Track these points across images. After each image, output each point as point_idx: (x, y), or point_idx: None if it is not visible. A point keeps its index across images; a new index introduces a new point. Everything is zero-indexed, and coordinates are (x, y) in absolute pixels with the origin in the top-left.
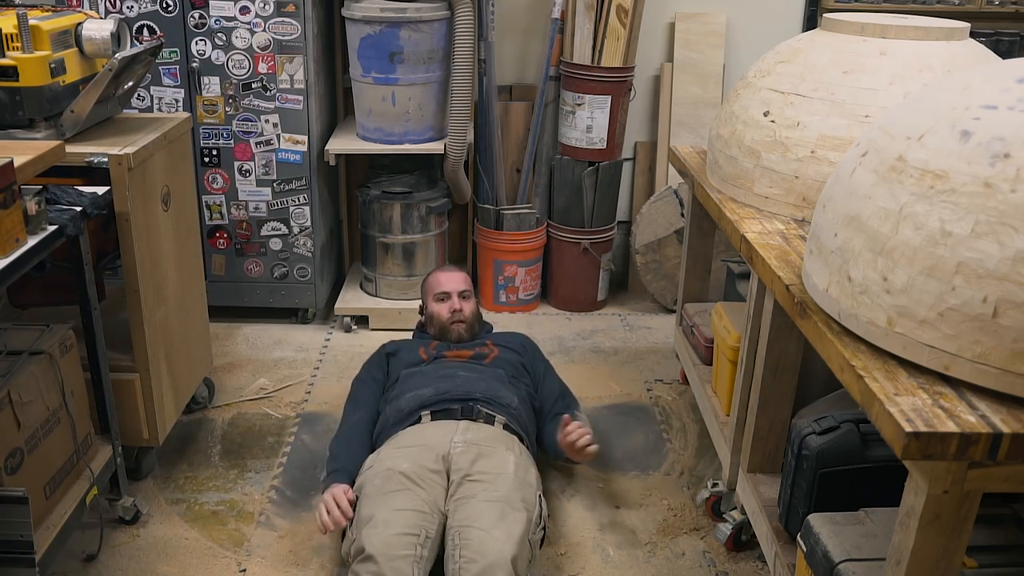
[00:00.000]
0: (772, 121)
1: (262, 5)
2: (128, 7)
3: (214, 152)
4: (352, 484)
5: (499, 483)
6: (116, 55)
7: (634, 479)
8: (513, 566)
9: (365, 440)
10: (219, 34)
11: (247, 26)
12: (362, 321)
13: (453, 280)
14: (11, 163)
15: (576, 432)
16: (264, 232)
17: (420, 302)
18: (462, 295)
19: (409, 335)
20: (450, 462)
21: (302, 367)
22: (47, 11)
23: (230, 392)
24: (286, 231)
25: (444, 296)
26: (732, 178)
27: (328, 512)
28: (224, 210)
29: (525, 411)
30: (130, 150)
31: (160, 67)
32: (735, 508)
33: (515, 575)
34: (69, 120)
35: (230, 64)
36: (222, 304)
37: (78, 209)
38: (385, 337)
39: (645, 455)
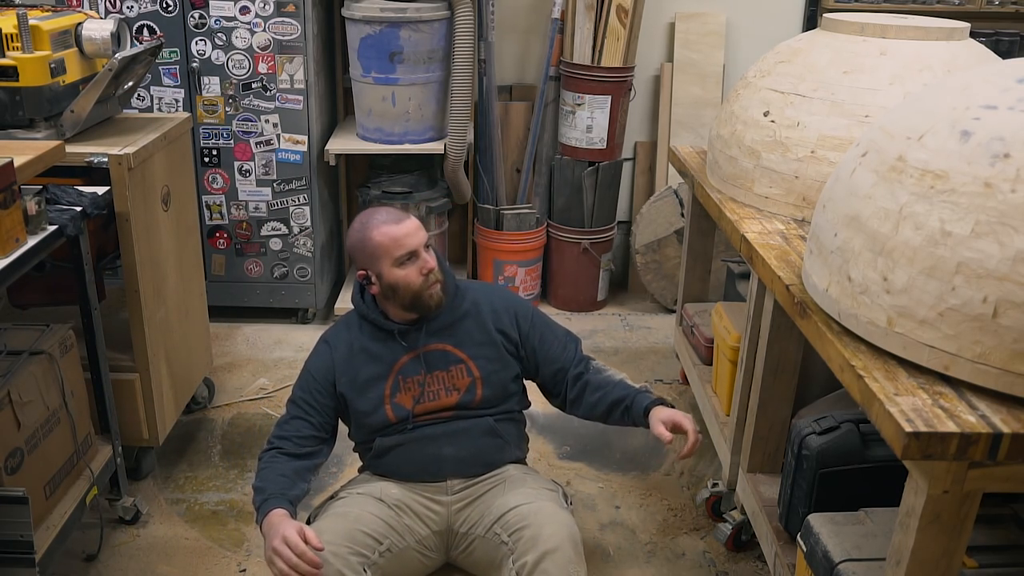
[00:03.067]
0: (772, 121)
1: (262, 5)
2: (128, 7)
3: (214, 152)
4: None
5: (513, 480)
6: (116, 55)
7: (634, 479)
8: (575, 543)
9: (306, 479)
10: (219, 34)
11: (247, 26)
12: None
13: (412, 232)
14: (11, 163)
15: (689, 449)
16: (264, 232)
17: (362, 272)
18: (427, 247)
19: None
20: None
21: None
22: (47, 11)
23: (230, 392)
24: (286, 231)
25: (410, 257)
26: (732, 178)
27: (286, 560)
28: (224, 210)
29: (516, 427)
30: (130, 150)
31: (160, 67)
32: (735, 508)
33: (580, 551)
34: (69, 120)
35: (230, 64)
36: (222, 304)
37: (78, 209)
38: None
39: (645, 455)
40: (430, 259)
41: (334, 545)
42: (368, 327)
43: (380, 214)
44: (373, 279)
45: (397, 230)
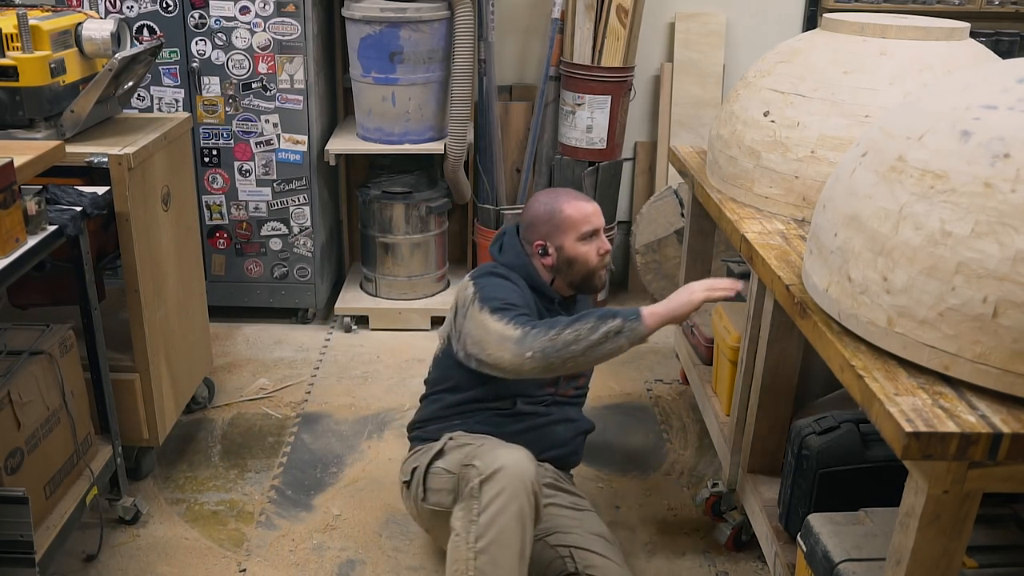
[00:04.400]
0: (772, 121)
1: (262, 5)
2: (128, 7)
3: (214, 152)
4: None
5: (591, 520)
6: (116, 55)
7: (634, 479)
8: None
9: None
10: (219, 34)
11: (247, 26)
12: (362, 321)
13: (598, 212)
14: (11, 163)
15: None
16: (264, 232)
17: (540, 242)
18: (605, 231)
19: (409, 335)
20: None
21: (302, 367)
22: (47, 11)
23: (230, 392)
24: (286, 231)
25: (593, 234)
26: (732, 178)
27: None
28: (224, 210)
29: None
30: (130, 150)
31: (160, 67)
32: (735, 508)
33: None
34: (69, 120)
35: (230, 64)
36: (222, 304)
37: (78, 209)
38: (386, 337)
39: (645, 455)
40: (607, 243)
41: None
42: (532, 295)
43: (570, 192)
44: (551, 250)
45: (588, 207)
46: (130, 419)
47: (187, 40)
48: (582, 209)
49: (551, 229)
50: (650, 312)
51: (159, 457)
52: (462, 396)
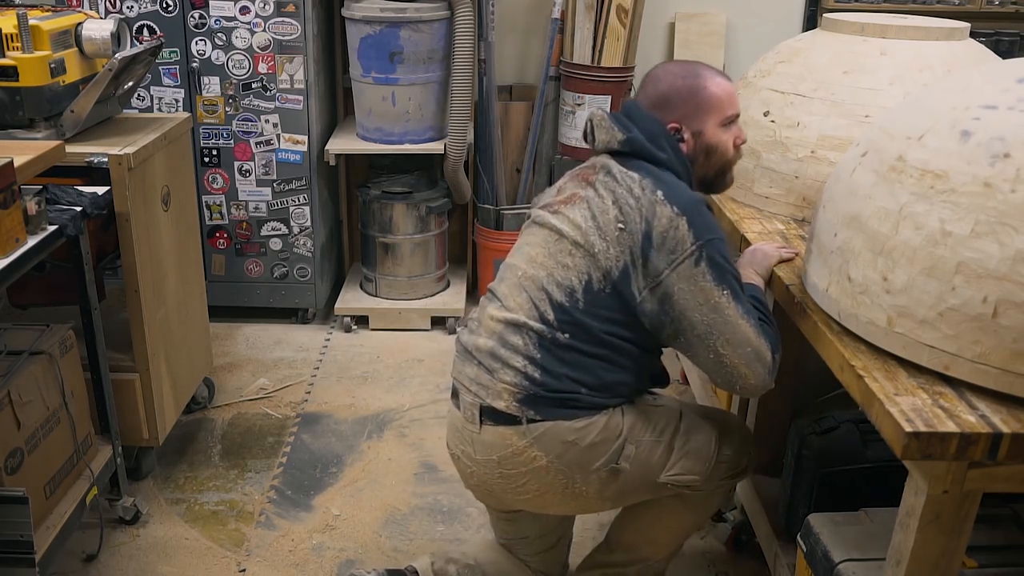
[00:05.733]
0: (772, 121)
1: (262, 5)
2: (128, 7)
3: (214, 152)
4: None
5: None
6: (116, 55)
7: None
8: None
9: None
10: (219, 34)
11: (247, 26)
12: (362, 321)
13: (735, 95)
14: (11, 163)
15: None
16: (264, 232)
17: (675, 124)
18: None
19: (409, 335)
20: None
21: (302, 367)
22: (47, 11)
23: (230, 392)
24: (286, 231)
25: (733, 120)
26: None
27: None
28: (224, 210)
29: None
30: (130, 150)
31: (160, 67)
32: (735, 508)
33: None
34: (69, 120)
35: (230, 64)
36: (222, 304)
37: (78, 209)
38: (386, 337)
39: None
40: (743, 133)
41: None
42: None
43: (705, 65)
44: (687, 135)
45: (730, 85)
46: (130, 419)
47: (187, 40)
48: (726, 88)
49: (692, 109)
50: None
51: (159, 457)
52: (623, 376)
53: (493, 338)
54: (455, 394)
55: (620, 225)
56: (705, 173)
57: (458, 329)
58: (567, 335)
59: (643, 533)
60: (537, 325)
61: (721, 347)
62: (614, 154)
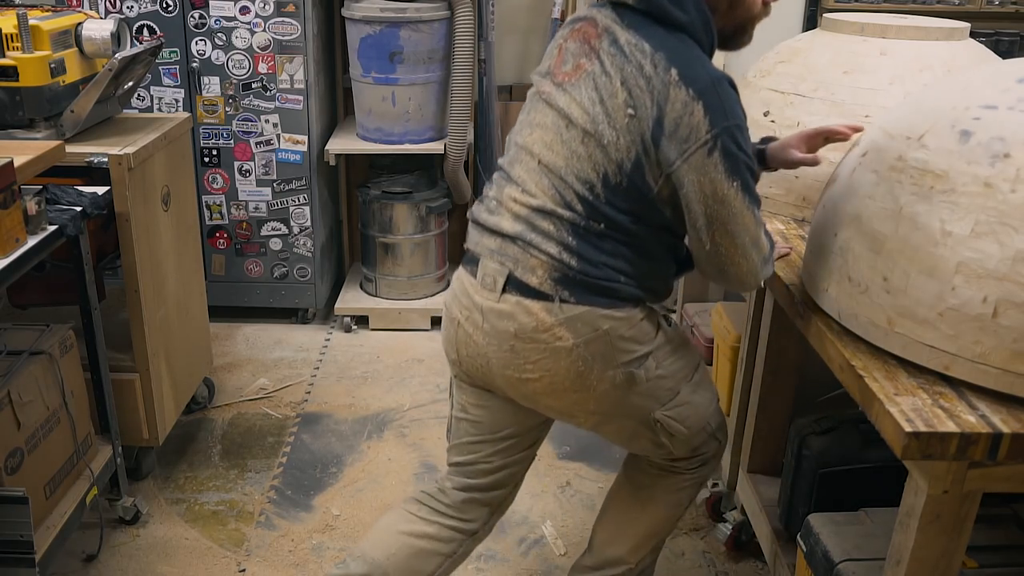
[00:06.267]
0: (772, 121)
1: (262, 5)
2: (128, 7)
3: (214, 152)
4: None
5: None
6: (116, 55)
7: None
8: None
9: None
10: (219, 34)
11: (247, 26)
12: (362, 321)
13: None
14: (11, 163)
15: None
16: (264, 232)
17: None
18: None
19: (409, 335)
20: None
21: (302, 367)
22: (47, 11)
23: (230, 392)
24: (286, 231)
25: None
26: None
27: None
28: (224, 210)
29: None
30: (130, 150)
31: (160, 67)
32: (735, 508)
33: None
34: (69, 120)
35: (230, 64)
36: (222, 304)
37: (78, 209)
38: (386, 337)
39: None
40: None
41: None
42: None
43: None
44: None
45: None
46: (130, 419)
47: (187, 40)
48: None
49: None
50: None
51: (159, 457)
52: (658, 267)
53: (520, 223)
54: (471, 260)
55: (630, 111)
56: (724, 26)
57: (473, 207)
58: (601, 224)
59: (620, 528)
60: (567, 213)
61: (719, 236)
62: (621, 6)
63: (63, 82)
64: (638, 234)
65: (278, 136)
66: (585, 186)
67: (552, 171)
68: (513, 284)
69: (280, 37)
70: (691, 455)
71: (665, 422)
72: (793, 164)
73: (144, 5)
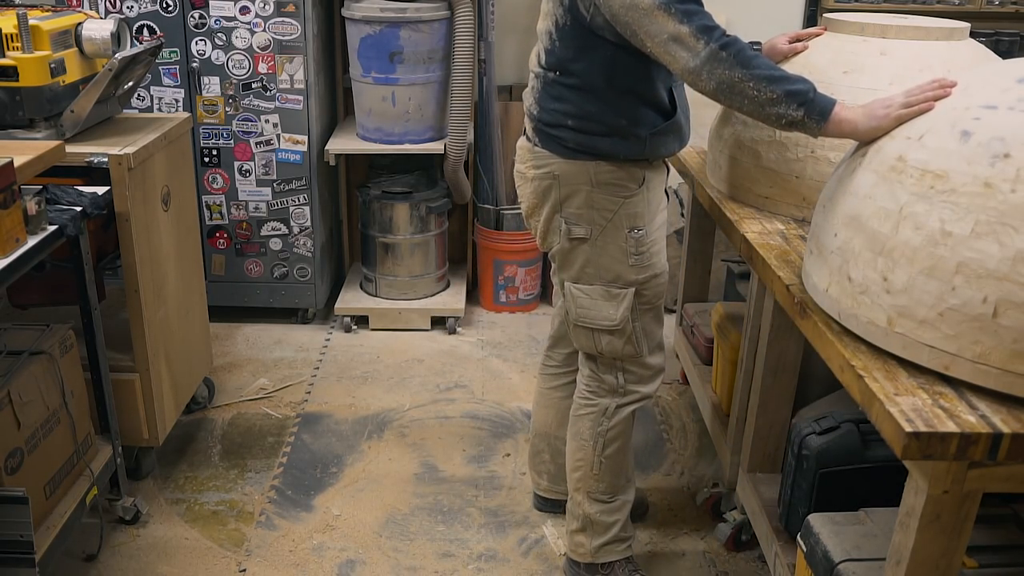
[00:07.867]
0: None
1: (262, 5)
2: (128, 7)
3: (214, 152)
4: None
5: None
6: (116, 55)
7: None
8: None
9: None
10: (219, 34)
11: (247, 26)
12: (362, 321)
13: None
14: (11, 163)
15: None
16: (264, 232)
17: None
18: None
19: (409, 335)
20: None
21: (302, 367)
22: (47, 11)
23: (230, 392)
24: (286, 231)
25: None
26: (732, 178)
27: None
28: (224, 210)
29: None
30: (130, 150)
31: (160, 67)
32: (735, 508)
33: None
34: (69, 120)
35: (230, 64)
36: (222, 304)
37: (78, 209)
38: (386, 337)
39: (645, 455)
40: None
41: None
42: None
43: None
44: None
45: None
46: (130, 419)
47: (187, 40)
48: None
49: None
50: (841, 120)
51: (159, 457)
52: (608, 109)
53: (528, 92)
54: None
55: None
56: None
57: None
58: (556, 72)
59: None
60: (538, 69)
61: (647, 40)
62: None
63: (63, 82)
64: (583, 73)
65: (278, 136)
66: (548, 38)
67: (538, 38)
68: (525, 137)
69: (280, 37)
70: (619, 357)
71: (570, 292)
72: (782, 55)
73: (144, 5)
